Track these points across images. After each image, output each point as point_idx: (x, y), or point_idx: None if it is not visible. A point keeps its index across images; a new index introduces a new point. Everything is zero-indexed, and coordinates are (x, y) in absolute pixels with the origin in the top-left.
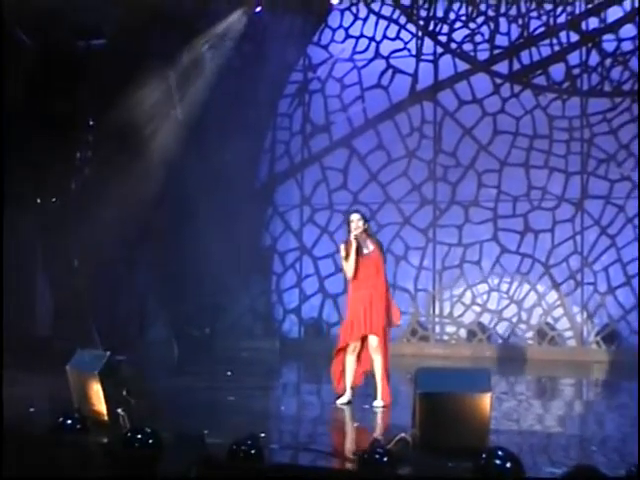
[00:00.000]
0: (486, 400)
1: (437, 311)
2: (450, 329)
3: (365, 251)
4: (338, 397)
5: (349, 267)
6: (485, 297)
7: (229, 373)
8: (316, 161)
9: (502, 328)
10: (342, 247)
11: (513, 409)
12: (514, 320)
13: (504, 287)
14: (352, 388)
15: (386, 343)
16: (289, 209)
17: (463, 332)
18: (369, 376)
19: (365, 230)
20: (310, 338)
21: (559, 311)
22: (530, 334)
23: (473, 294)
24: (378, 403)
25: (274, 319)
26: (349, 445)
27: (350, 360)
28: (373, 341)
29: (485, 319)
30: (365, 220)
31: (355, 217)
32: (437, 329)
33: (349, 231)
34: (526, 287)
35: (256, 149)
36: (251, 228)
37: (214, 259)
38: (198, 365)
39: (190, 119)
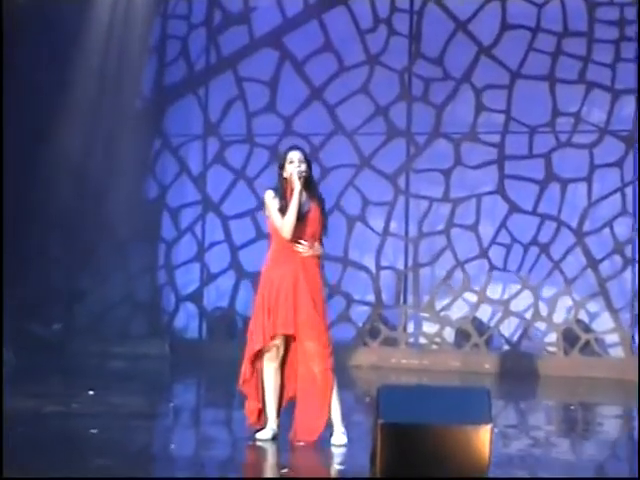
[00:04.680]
0: (484, 436)
1: (410, 300)
2: (430, 328)
3: (302, 209)
4: (258, 430)
5: (287, 222)
6: (484, 280)
7: (91, 392)
8: (229, 68)
9: (509, 328)
10: (272, 195)
11: (525, 451)
12: (527, 316)
13: (513, 265)
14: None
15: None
16: (186, 142)
17: (449, 333)
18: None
19: (306, 179)
20: (216, 339)
21: (597, 304)
22: (552, 337)
23: (466, 275)
24: (337, 440)
25: (162, 310)
26: None
27: (269, 372)
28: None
29: (483, 314)
30: (309, 164)
31: (297, 156)
32: (410, 327)
33: (280, 175)
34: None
35: (135, 48)
36: (128, 171)
37: (70, 219)
38: (43, 379)
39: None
